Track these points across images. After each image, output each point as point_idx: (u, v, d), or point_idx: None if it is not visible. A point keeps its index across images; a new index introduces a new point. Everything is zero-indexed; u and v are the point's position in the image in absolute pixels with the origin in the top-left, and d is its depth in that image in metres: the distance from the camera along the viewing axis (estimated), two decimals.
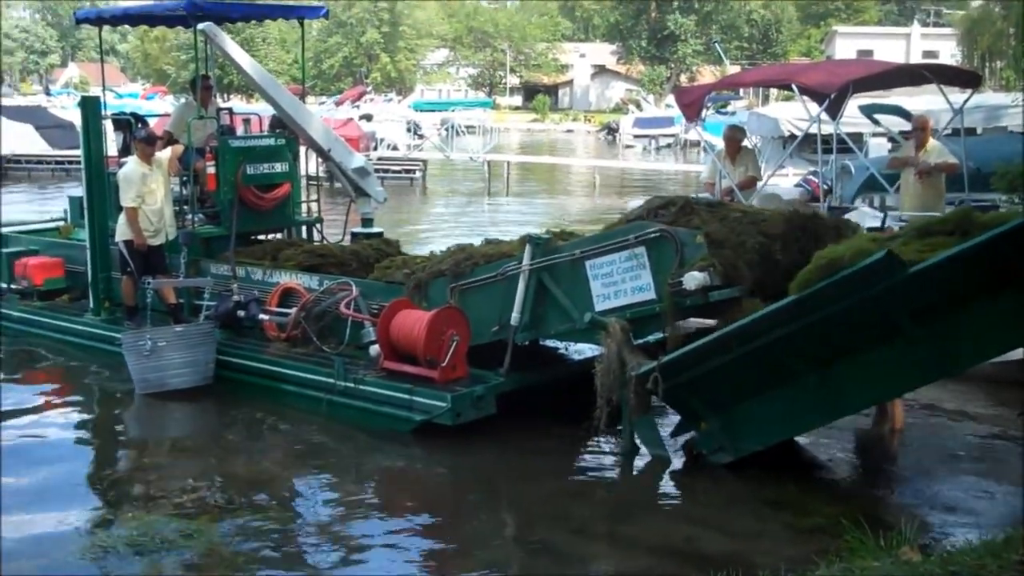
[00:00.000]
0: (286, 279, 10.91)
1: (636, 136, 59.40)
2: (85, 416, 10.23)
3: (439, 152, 41.44)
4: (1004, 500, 7.84)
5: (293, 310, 10.51)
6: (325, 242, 12.55)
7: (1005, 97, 19.71)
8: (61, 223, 14.33)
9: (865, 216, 11.71)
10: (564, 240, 9.37)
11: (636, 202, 15.59)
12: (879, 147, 17.00)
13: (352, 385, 9.47)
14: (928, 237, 7.20)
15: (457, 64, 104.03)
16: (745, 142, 14.39)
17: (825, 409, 7.86)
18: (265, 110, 14.50)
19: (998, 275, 6.94)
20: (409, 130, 47.10)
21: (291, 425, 9.58)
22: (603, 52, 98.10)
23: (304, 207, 13.09)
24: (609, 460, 8.86)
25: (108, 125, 12.65)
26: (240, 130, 12.72)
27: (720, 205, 9.38)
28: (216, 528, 7.24)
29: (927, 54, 66.70)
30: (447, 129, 50.73)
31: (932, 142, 12.56)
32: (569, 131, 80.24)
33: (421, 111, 60.55)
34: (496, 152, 41.29)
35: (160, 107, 44.60)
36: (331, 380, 9.59)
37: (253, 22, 15.59)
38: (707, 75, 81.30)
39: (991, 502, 7.77)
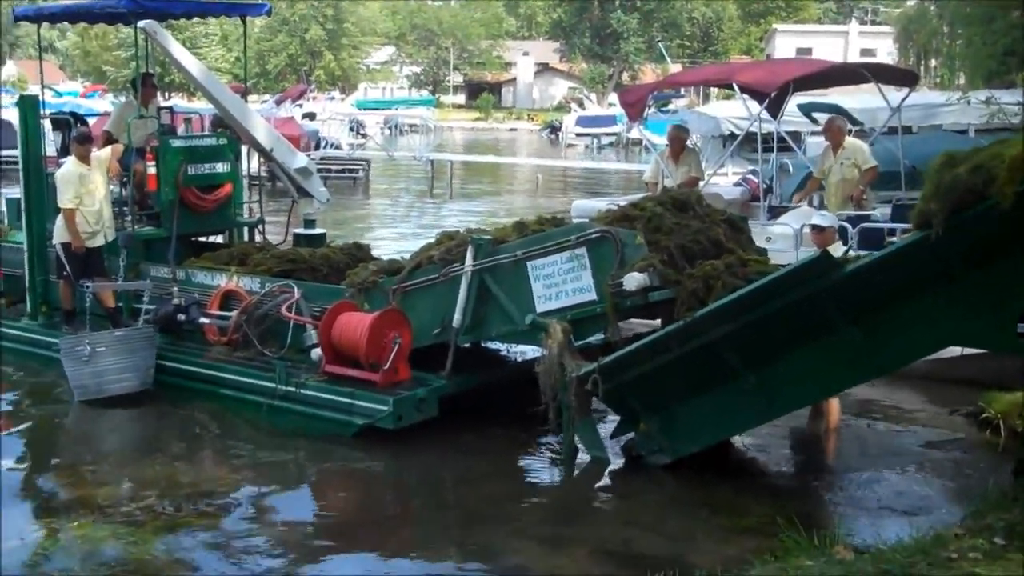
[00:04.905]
0: (227, 282, 10.84)
1: (579, 135, 59.67)
2: (22, 423, 10.01)
3: (382, 151, 41.32)
4: (936, 497, 8.01)
5: (234, 313, 10.45)
6: (267, 243, 12.48)
7: (940, 96, 20.01)
8: None
9: (802, 215, 11.85)
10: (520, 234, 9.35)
11: (580, 201, 15.71)
12: (818, 146, 17.18)
13: (293, 389, 9.44)
14: None
15: (401, 62, 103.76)
16: (688, 142, 14.51)
17: (761, 409, 7.97)
18: (207, 109, 14.39)
19: (930, 275, 7.07)
20: (352, 129, 46.94)
21: (232, 430, 9.53)
22: (546, 50, 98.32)
23: (246, 208, 13.01)
24: (550, 462, 8.91)
25: (47, 124, 12.48)
26: (181, 129, 12.61)
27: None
28: (165, 536, 7.22)
29: (865, 52, 67.76)
30: (390, 128, 50.68)
31: (850, 141, 12.70)
32: (512, 130, 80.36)
33: (364, 110, 60.32)
34: (439, 151, 41.30)
35: (100, 105, 44.06)
36: (272, 384, 9.55)
37: (195, 19, 15.47)
38: (649, 73, 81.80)
39: (923, 500, 7.92)
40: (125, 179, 11.83)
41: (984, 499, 6.96)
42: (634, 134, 42.65)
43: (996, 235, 6.71)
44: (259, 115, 13.71)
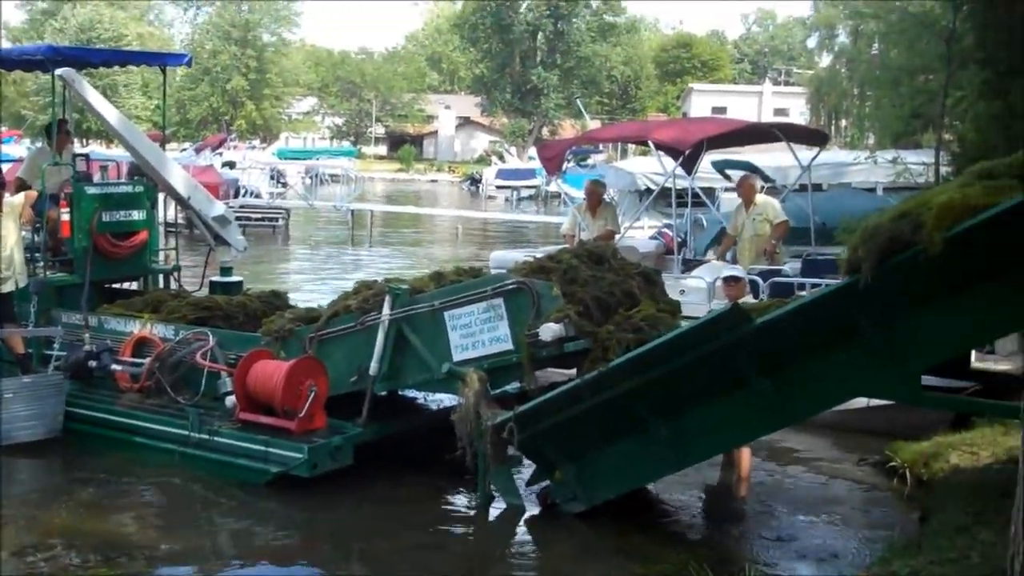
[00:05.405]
0: (140, 329, 10.72)
1: (499, 187, 60.14)
2: None
3: (302, 200, 41.23)
4: (844, 544, 8.13)
5: (147, 360, 10.32)
6: (182, 290, 12.38)
7: (849, 155, 20.59)
8: None
9: (715, 268, 12.07)
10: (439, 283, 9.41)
11: (499, 253, 15.84)
12: (731, 202, 17.58)
13: (207, 437, 9.33)
14: (992, 179, 6.64)
15: (323, 113, 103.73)
16: (605, 196, 14.75)
17: (674, 458, 8.04)
18: (124, 156, 14.29)
19: (840, 327, 7.24)
20: (272, 178, 46.71)
21: (144, 479, 9.34)
22: (468, 104, 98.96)
23: (162, 255, 12.91)
24: (466, 510, 8.91)
25: None
26: (97, 176, 12.51)
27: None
28: None
29: (778, 111, 69.48)
30: (311, 177, 50.55)
31: (761, 197, 13.06)
32: (433, 181, 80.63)
33: (285, 159, 60.21)
34: (360, 201, 41.29)
35: (16, 151, 43.35)
36: (185, 432, 9.44)
37: (116, 67, 15.40)
38: (568, 128, 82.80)
39: (831, 546, 8.03)
40: (38, 225, 11.69)
41: (890, 546, 7.13)
42: (553, 187, 43.14)
43: (911, 287, 6.84)
44: (177, 163, 13.65)
